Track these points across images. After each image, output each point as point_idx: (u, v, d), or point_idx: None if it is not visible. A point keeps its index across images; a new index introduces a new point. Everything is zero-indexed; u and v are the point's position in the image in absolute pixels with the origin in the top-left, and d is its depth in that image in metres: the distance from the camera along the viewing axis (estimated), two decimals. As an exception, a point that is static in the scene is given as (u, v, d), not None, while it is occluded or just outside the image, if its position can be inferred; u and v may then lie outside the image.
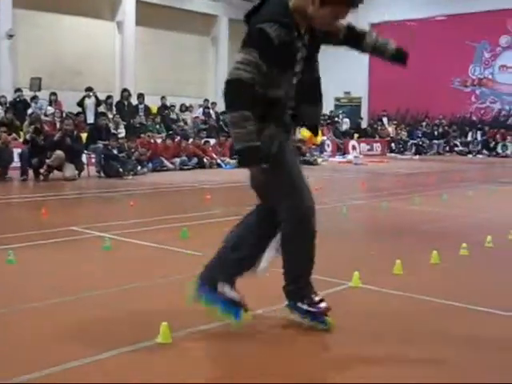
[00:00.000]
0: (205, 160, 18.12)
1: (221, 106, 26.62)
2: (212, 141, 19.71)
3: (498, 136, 28.08)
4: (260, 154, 3.64)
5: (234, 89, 3.59)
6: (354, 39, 4.12)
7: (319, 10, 3.63)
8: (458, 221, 8.77)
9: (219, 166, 18.36)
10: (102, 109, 20.93)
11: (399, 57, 4.10)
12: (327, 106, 31.04)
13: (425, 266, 5.75)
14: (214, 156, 18.63)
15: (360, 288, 4.96)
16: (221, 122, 23.21)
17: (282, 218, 3.88)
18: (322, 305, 3.94)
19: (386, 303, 4.66)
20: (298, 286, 3.98)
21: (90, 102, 20.81)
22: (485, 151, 28.18)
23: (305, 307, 3.94)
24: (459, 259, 6.12)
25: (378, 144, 27.77)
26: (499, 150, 27.79)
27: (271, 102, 3.72)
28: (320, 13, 3.64)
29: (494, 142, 28.20)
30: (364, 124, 30.62)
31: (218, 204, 10.84)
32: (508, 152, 27.38)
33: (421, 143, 28.78)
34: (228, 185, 13.99)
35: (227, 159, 18.74)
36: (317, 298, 3.96)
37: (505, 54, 29.01)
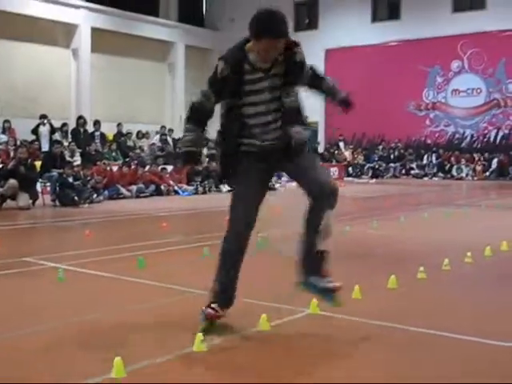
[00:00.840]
0: (162, 187, 17.99)
1: (178, 133, 26.59)
2: (169, 167, 19.59)
3: (452, 159, 28.52)
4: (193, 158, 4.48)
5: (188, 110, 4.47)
6: (313, 81, 4.76)
7: (256, 45, 4.18)
8: (415, 244, 8.81)
9: (177, 192, 18.25)
10: (56, 136, 20.70)
11: (346, 103, 4.79)
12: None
13: (383, 291, 5.73)
14: (172, 183, 18.51)
15: (319, 315, 4.91)
16: (178, 149, 23.10)
17: None
18: None
19: (345, 330, 4.61)
20: None
21: (44, 130, 20.56)
22: (440, 174, 28.58)
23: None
24: (417, 283, 6.12)
25: (336, 168, 27.94)
26: (454, 172, 28.20)
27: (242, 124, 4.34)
28: (256, 47, 4.18)
29: (448, 165, 28.63)
30: (321, 149, 30.80)
31: (175, 232, 10.70)
32: (463, 174, 27.80)
33: (377, 167, 29.06)
34: (185, 212, 13.90)
35: (184, 186, 18.66)
36: None
37: (457, 79, 29.55)
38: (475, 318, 4.98)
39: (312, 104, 27.84)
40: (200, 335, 4.02)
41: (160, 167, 19.19)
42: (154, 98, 31.66)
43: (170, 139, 24.16)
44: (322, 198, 4.47)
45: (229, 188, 19.67)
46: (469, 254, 7.26)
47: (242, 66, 4.28)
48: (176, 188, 18.41)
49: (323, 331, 4.58)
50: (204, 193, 18.70)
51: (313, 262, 4.61)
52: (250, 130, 4.37)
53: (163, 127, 25.32)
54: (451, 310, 5.22)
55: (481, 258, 7.40)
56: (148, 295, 5.64)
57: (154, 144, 23.23)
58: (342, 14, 31.58)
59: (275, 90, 4.32)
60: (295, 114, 4.47)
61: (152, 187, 17.77)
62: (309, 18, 33.60)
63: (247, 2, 34.17)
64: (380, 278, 6.05)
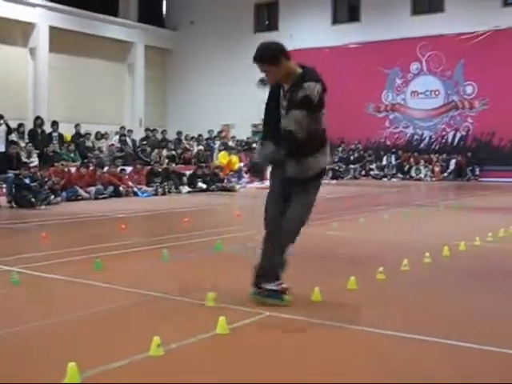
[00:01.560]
0: (121, 188, 17.78)
1: (137, 134, 26.39)
2: (128, 169, 19.38)
3: (411, 160, 28.79)
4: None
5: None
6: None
7: None
8: (374, 245, 8.83)
9: (136, 194, 18.05)
10: (13, 137, 20.28)
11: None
12: (245, 133, 31.19)
13: (343, 292, 5.71)
14: (131, 184, 18.31)
15: (278, 317, 4.87)
16: (138, 150, 22.91)
17: None
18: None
19: (304, 331, 4.58)
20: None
21: (0, 130, 20.15)
22: (399, 175, 28.82)
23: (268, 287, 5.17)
24: (376, 284, 6.12)
25: (296, 169, 27.93)
26: (413, 173, 28.47)
27: None
28: None
29: (407, 166, 28.89)
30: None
31: (134, 234, 10.56)
32: (421, 175, 28.08)
33: (337, 168, 29.17)
34: (144, 213, 13.76)
35: (144, 187, 18.48)
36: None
37: (416, 81, 29.84)
38: (432, 318, 4.99)
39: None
40: (157, 339, 3.93)
41: (119, 168, 18.98)
42: (114, 98, 31.40)
43: (129, 140, 23.87)
44: (277, 232, 5.26)
45: (189, 189, 19.64)
46: (427, 254, 7.29)
47: (278, 85, 5.23)
48: (135, 189, 18.21)
49: (282, 333, 4.54)
50: (164, 194, 18.53)
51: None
52: None
53: (122, 128, 25.04)
54: (408, 310, 5.22)
55: (439, 258, 7.44)
56: (104, 298, 5.53)
57: (112, 145, 22.93)
58: (303, 15, 31.67)
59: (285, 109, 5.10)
60: (287, 136, 4.98)
61: (111, 188, 17.54)
62: (269, 19, 33.63)
63: (207, 5, 34.18)
64: (340, 280, 6.04)
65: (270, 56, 5.05)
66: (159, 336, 3.97)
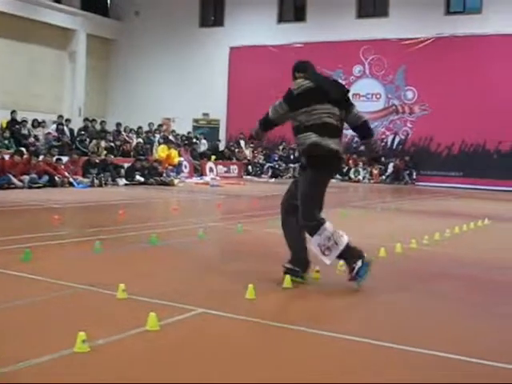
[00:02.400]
0: (56, 178, 17.35)
1: (76, 123, 25.85)
2: (65, 158, 18.93)
3: (350, 162, 29.01)
4: None
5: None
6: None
7: None
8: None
9: (71, 184, 17.65)
10: None
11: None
12: (186, 127, 30.95)
13: (277, 290, 5.63)
14: (67, 174, 17.89)
15: (210, 314, 4.74)
16: (76, 140, 22.43)
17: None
18: None
19: (236, 330, 4.46)
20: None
21: None
22: (338, 176, 28.97)
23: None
24: (311, 283, 6.04)
25: (235, 166, 27.90)
26: (352, 175, 28.72)
27: None
28: None
29: (346, 168, 29.11)
30: (222, 146, 30.70)
31: (66, 224, 10.27)
32: (360, 177, 28.35)
33: (277, 166, 29.21)
34: (79, 204, 13.44)
35: (80, 178, 18.09)
36: None
37: (358, 83, 30.06)
38: (366, 320, 4.95)
39: (215, 102, 27.84)
40: (82, 335, 3.75)
41: (55, 158, 18.51)
42: (53, 86, 30.71)
43: (66, 129, 23.37)
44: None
45: (126, 182, 19.30)
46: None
47: None
48: (71, 180, 17.81)
49: (213, 331, 4.41)
50: (100, 186, 18.17)
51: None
52: None
53: (61, 117, 24.52)
54: (340, 310, 5.18)
55: (376, 258, 7.42)
56: (29, 290, 5.30)
57: (49, 133, 22.41)
58: (249, 12, 31.59)
59: None
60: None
61: (45, 178, 17.10)
62: (215, 14, 33.44)
63: (153, -5, 33.76)
64: (275, 278, 5.94)
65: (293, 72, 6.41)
66: (86, 331, 3.80)
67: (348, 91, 6.35)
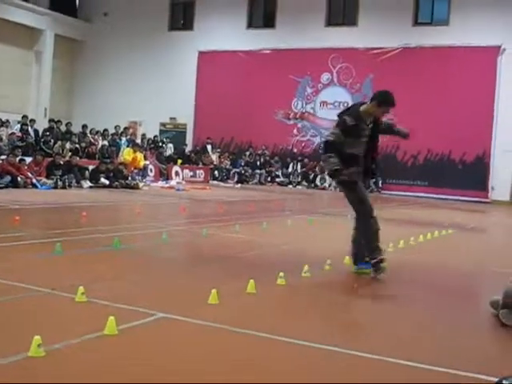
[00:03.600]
0: (19, 179, 17.04)
1: (41, 124, 25.48)
2: (28, 159, 18.62)
3: (317, 169, 29.08)
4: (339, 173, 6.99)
5: (326, 144, 7.14)
6: (388, 128, 7.49)
7: (377, 110, 6.99)
8: (276, 249, 8.72)
9: (35, 186, 17.35)
10: None
11: (406, 136, 7.54)
12: (152, 131, 30.75)
13: (241, 296, 5.54)
14: (30, 175, 17.59)
15: (171, 319, 4.64)
16: (40, 141, 22.09)
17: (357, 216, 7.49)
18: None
19: (196, 335, 4.37)
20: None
21: None
22: (304, 183, 29.09)
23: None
24: (276, 288, 5.97)
25: (202, 171, 27.77)
26: (318, 182, 28.79)
27: (351, 155, 6.98)
28: (377, 111, 7.01)
29: (313, 175, 29.18)
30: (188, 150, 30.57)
31: (27, 226, 10.04)
32: (326, 185, 28.41)
33: (243, 172, 29.15)
34: (41, 206, 13.21)
35: (43, 179, 17.80)
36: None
37: (325, 91, 30.20)
38: (324, 325, 4.89)
39: (183, 106, 27.64)
40: (38, 339, 3.61)
41: (18, 158, 18.19)
42: (18, 86, 30.29)
43: (31, 130, 23.01)
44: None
45: (90, 184, 19.02)
46: (329, 261, 7.23)
47: (360, 120, 6.94)
48: (34, 181, 17.51)
49: (173, 337, 4.31)
50: (64, 188, 17.88)
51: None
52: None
53: (25, 117, 24.16)
54: (302, 316, 5.11)
55: (340, 265, 7.39)
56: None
57: (13, 134, 22.04)
58: (218, 17, 31.53)
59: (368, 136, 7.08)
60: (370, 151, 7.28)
61: (8, 178, 16.79)
62: (184, 18, 33.32)
63: (122, -3, 33.50)
64: (239, 283, 5.86)
65: None
66: (42, 335, 3.67)
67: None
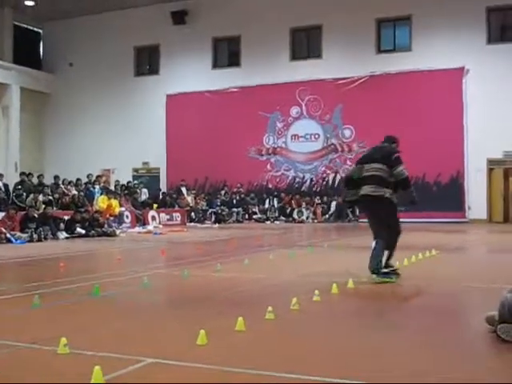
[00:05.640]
0: (-8, 234, 16.71)
1: (12, 178, 25.16)
2: (1, 214, 18.30)
3: (293, 202, 29.01)
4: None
5: (407, 179, 8.86)
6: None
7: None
8: (262, 285, 8.54)
9: (9, 240, 17.01)
10: None
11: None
12: (125, 177, 30.55)
13: (230, 334, 5.34)
14: (3, 230, 17.26)
15: (161, 363, 4.43)
16: (12, 195, 21.76)
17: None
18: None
19: (189, 378, 4.16)
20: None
21: None
22: (282, 217, 28.97)
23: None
24: (265, 324, 5.79)
25: (178, 214, 27.54)
26: (295, 215, 28.69)
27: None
28: None
29: (289, 208, 29.09)
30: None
31: (3, 280, 9.77)
32: (303, 217, 28.33)
33: (220, 211, 28.96)
34: (17, 260, 12.90)
35: (18, 233, 17.46)
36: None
37: (296, 124, 30.28)
38: (319, 357, 4.72)
39: (154, 150, 27.66)
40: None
41: (-10, 214, 17.88)
42: (-14, 142, 30.01)
43: (1, 184, 22.68)
44: None
45: (66, 235, 18.67)
46: (317, 292, 7.06)
47: None
48: (8, 235, 17.17)
49: (163, 382, 4.09)
50: (39, 240, 17.54)
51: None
52: None
53: (-5, 172, 23.85)
54: (295, 351, 4.93)
55: (328, 295, 7.23)
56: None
57: (-17, 189, 21.71)
58: (183, 59, 31.68)
59: None
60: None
61: (-19, 235, 16.46)
62: (150, 63, 33.40)
63: (87, 47, 33.53)
64: (227, 321, 5.67)
65: None
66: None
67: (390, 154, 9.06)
